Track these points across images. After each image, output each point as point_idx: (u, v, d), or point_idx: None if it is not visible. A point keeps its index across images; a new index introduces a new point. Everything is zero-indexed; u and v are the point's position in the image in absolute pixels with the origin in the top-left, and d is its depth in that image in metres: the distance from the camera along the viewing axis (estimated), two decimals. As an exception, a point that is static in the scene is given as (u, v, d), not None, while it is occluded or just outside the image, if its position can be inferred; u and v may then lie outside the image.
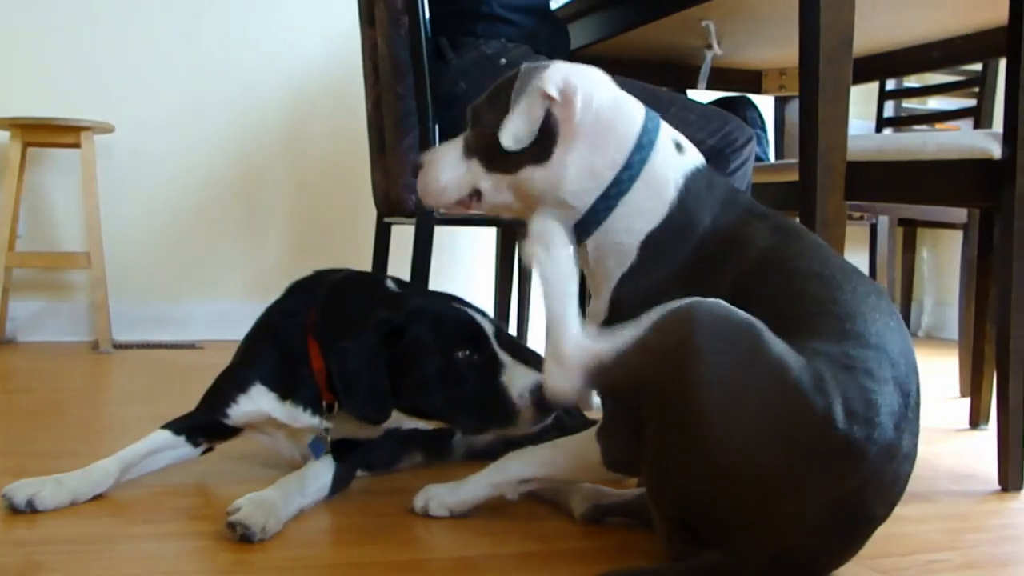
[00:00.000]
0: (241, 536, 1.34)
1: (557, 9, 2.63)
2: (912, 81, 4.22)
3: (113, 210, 3.69)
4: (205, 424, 1.67)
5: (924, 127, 4.06)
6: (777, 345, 1.11)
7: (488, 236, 3.98)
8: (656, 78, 2.72)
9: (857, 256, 4.36)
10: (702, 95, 2.73)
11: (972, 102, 3.59)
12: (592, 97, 1.35)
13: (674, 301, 1.16)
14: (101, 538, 1.36)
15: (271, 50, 3.99)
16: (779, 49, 2.69)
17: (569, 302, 1.25)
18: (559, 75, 1.34)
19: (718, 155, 2.16)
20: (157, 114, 3.85)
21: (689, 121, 2.16)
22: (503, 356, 1.52)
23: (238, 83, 3.96)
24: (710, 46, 2.46)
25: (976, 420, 2.51)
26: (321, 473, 1.57)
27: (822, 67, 1.66)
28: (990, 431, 2.41)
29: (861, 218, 4.31)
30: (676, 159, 1.36)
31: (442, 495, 1.49)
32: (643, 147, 1.34)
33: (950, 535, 1.54)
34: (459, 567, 1.31)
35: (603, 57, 2.68)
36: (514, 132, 1.33)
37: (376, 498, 1.63)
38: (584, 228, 1.36)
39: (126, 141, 3.78)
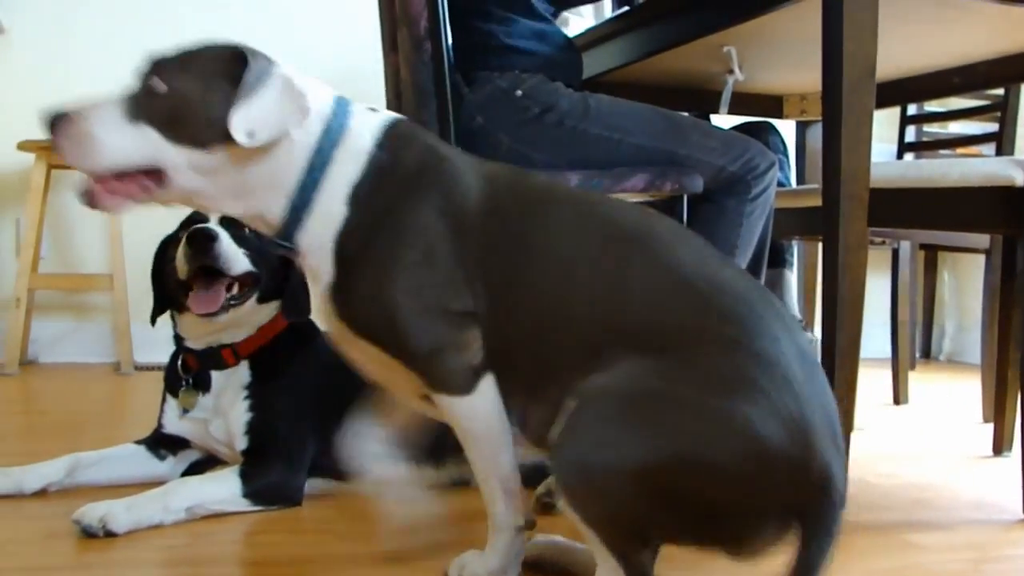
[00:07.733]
0: (82, 531, 1.47)
1: (578, 36, 2.65)
2: (934, 106, 4.21)
3: (136, 232, 3.71)
4: (158, 438, 1.89)
5: (946, 152, 4.05)
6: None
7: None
8: (678, 104, 2.73)
9: (879, 280, 4.34)
10: (724, 120, 2.73)
11: (994, 127, 3.58)
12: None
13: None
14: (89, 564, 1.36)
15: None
16: (800, 74, 2.69)
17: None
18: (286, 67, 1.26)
19: (740, 181, 2.16)
20: (181, 137, 3.88)
21: (711, 147, 2.16)
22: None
23: (261, 107, 3.98)
24: (731, 71, 2.47)
25: (1000, 447, 2.49)
26: (224, 476, 1.65)
27: (845, 95, 1.67)
28: (1014, 457, 2.39)
29: (883, 243, 4.30)
30: (372, 117, 1.31)
31: (475, 564, 1.31)
32: (339, 114, 1.28)
33: (971, 565, 1.53)
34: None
35: (625, 83, 2.69)
36: (253, 127, 1.19)
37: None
38: (295, 216, 1.26)
39: (150, 164, 3.80)
